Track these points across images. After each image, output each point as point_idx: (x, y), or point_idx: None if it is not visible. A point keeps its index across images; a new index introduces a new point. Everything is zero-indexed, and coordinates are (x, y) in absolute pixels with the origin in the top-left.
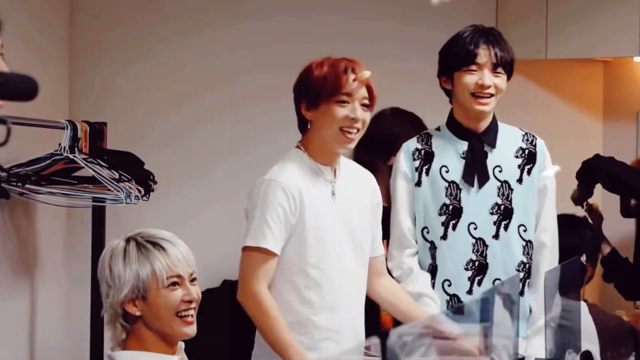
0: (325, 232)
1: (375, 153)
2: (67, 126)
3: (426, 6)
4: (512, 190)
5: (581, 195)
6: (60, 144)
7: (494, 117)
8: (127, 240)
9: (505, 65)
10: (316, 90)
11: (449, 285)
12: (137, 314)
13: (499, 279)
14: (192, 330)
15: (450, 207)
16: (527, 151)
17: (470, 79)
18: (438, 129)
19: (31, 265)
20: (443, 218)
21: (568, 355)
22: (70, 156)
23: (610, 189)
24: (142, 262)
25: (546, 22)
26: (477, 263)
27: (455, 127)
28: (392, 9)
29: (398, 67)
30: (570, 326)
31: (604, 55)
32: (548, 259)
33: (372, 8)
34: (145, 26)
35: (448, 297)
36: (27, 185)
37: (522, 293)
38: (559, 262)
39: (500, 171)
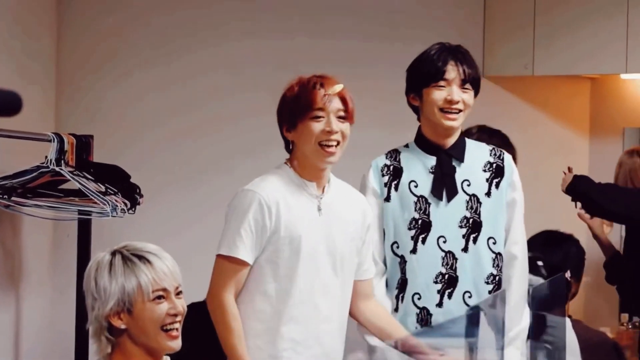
0: (302, 245)
1: None
2: (53, 139)
3: (413, 24)
4: (480, 203)
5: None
6: (46, 157)
7: (461, 133)
8: (113, 253)
9: (473, 81)
10: (291, 111)
11: (419, 299)
12: (123, 327)
13: (468, 292)
14: (177, 344)
15: (420, 221)
16: (494, 165)
17: (439, 94)
18: (407, 145)
19: (17, 277)
20: (412, 232)
21: None
22: (57, 169)
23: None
24: (128, 276)
25: (533, 39)
26: (446, 276)
27: (424, 143)
28: (378, 28)
29: (386, 86)
30: (554, 342)
31: (591, 72)
32: (519, 271)
33: (358, 28)
34: (133, 41)
35: (418, 310)
36: (13, 198)
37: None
38: (545, 278)
39: (468, 185)
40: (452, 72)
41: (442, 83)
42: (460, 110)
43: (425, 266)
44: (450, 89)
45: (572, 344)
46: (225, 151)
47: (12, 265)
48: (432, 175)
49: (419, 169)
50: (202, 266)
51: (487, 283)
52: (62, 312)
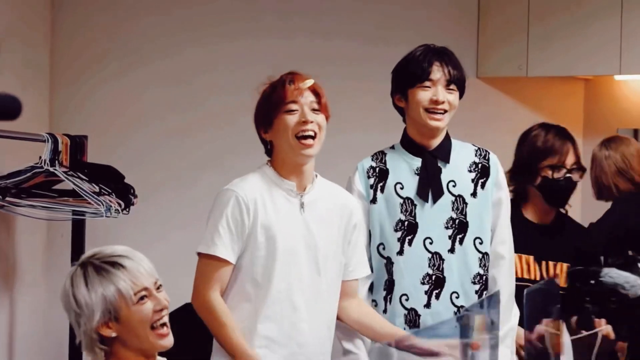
0: (279, 244)
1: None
2: (47, 139)
3: (408, 26)
4: (466, 204)
5: None
6: (40, 157)
7: (447, 134)
8: (84, 266)
9: (458, 82)
10: (265, 109)
11: (407, 300)
12: (113, 335)
13: (456, 292)
14: (169, 341)
15: (406, 222)
16: (480, 165)
17: (424, 94)
18: (392, 147)
19: (10, 277)
20: (399, 234)
21: None
22: (51, 169)
23: None
24: (105, 285)
25: (527, 40)
26: (433, 277)
27: (409, 144)
28: (374, 31)
29: (380, 88)
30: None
31: (585, 74)
32: (505, 270)
33: (353, 30)
34: (126, 41)
35: (406, 312)
36: (7, 198)
37: None
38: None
39: (454, 186)
40: (438, 72)
41: (427, 83)
42: (445, 111)
43: (411, 267)
44: (436, 90)
45: (566, 346)
46: (220, 150)
47: (6, 266)
48: (417, 177)
49: (404, 171)
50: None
51: (474, 283)
52: (56, 313)
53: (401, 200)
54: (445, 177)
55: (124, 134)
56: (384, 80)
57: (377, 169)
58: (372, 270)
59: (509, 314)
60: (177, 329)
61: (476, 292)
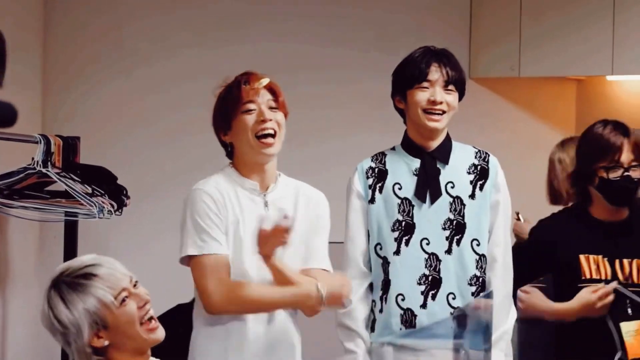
0: (245, 242)
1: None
2: (40, 140)
3: (400, 26)
4: (464, 205)
5: None
6: (33, 158)
7: (447, 135)
8: (56, 286)
9: (457, 83)
10: (223, 112)
11: (403, 300)
12: (106, 343)
13: (452, 294)
14: (160, 334)
15: (403, 223)
16: (479, 167)
17: (422, 95)
18: (393, 148)
19: (3, 278)
20: (396, 234)
21: None
22: (44, 170)
23: None
24: (84, 299)
25: (519, 41)
26: (430, 278)
27: (408, 145)
28: (364, 33)
29: (372, 90)
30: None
31: (577, 74)
32: (499, 273)
33: (344, 34)
34: (119, 43)
35: (402, 312)
36: None
37: None
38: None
39: (452, 187)
40: (435, 73)
41: (425, 84)
42: (443, 112)
43: (408, 268)
44: (433, 90)
45: None
46: (212, 152)
47: None
48: (416, 178)
49: (403, 171)
50: (188, 268)
51: (471, 285)
52: None
53: (399, 201)
54: (443, 179)
55: (116, 136)
56: (375, 84)
57: (377, 169)
58: (370, 270)
59: (504, 317)
60: (170, 330)
61: (472, 293)
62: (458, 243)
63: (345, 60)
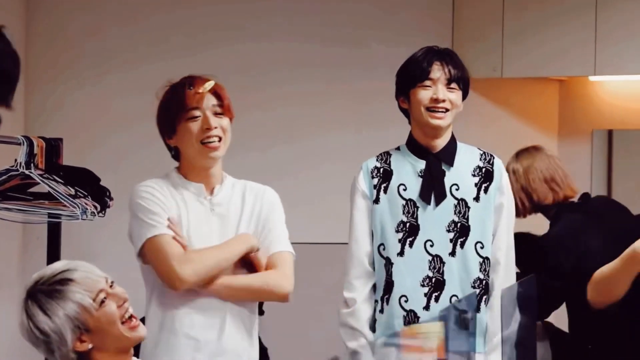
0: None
1: None
2: (23, 142)
3: (382, 25)
4: (468, 208)
5: None
6: (16, 160)
7: (452, 136)
8: (32, 296)
9: (460, 81)
10: (167, 117)
11: (406, 301)
12: (90, 346)
13: (455, 296)
14: (142, 331)
15: (407, 224)
16: (484, 170)
17: (424, 93)
18: (398, 148)
19: None
20: (400, 235)
21: None
22: (26, 172)
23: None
24: (63, 305)
25: (502, 41)
26: (433, 279)
27: (414, 146)
28: (346, 31)
29: (358, 88)
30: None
31: (560, 75)
32: (502, 276)
33: (326, 32)
34: (101, 44)
35: (405, 313)
36: None
37: (478, 309)
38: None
39: (457, 189)
40: (438, 71)
41: (427, 83)
42: (447, 110)
43: (411, 269)
44: (436, 88)
45: (543, 347)
46: None
47: None
48: (421, 179)
49: (408, 172)
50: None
51: (474, 287)
52: None
53: (403, 202)
54: (448, 180)
55: (99, 137)
56: (359, 80)
57: (382, 169)
58: (373, 269)
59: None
60: None
61: (476, 296)
62: (462, 245)
63: (324, 57)
